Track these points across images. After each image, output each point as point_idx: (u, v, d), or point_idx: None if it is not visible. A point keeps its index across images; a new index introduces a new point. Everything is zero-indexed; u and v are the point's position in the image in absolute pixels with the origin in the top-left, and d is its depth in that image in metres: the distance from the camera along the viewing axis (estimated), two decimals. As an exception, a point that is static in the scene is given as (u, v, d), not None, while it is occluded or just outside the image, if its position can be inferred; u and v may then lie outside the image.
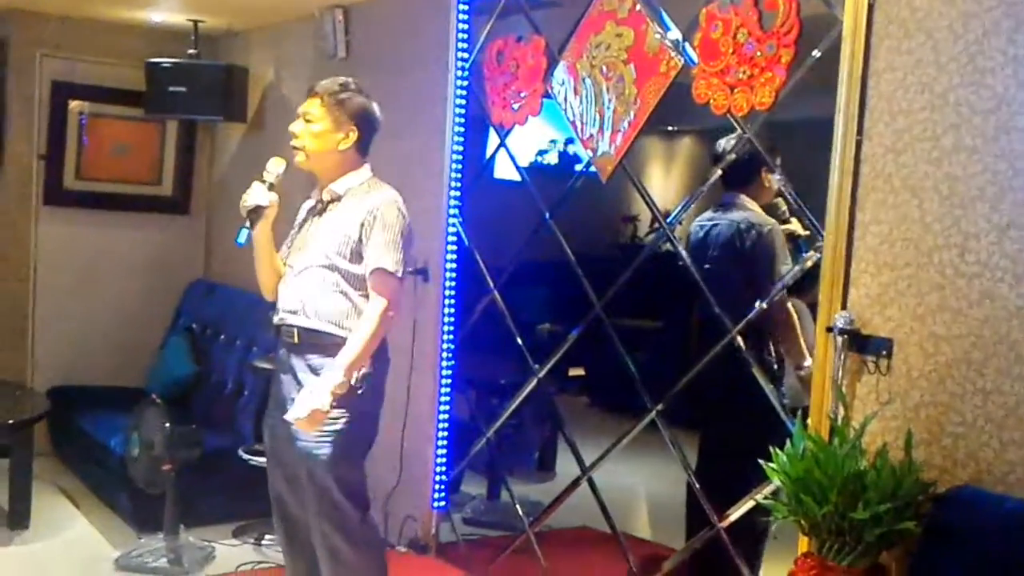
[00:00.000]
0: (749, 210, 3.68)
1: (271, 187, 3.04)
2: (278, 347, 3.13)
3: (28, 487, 4.53)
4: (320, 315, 2.96)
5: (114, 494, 4.74)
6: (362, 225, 2.95)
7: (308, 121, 3.00)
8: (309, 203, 3.16)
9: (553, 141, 6.76)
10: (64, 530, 4.60)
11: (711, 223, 3.75)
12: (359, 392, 2.91)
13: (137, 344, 5.81)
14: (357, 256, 2.97)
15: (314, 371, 2.96)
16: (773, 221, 3.63)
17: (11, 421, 4.52)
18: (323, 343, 2.96)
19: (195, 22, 5.40)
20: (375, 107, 3.08)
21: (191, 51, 5.42)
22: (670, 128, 8.34)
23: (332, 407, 2.85)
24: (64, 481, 5.20)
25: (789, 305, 3.40)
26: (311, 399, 2.83)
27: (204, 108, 5.37)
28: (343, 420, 2.93)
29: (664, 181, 8.65)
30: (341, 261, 2.96)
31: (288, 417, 2.89)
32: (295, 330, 3.00)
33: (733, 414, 3.65)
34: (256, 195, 2.99)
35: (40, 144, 5.65)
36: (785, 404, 3.35)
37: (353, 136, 3.02)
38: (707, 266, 3.73)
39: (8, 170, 5.64)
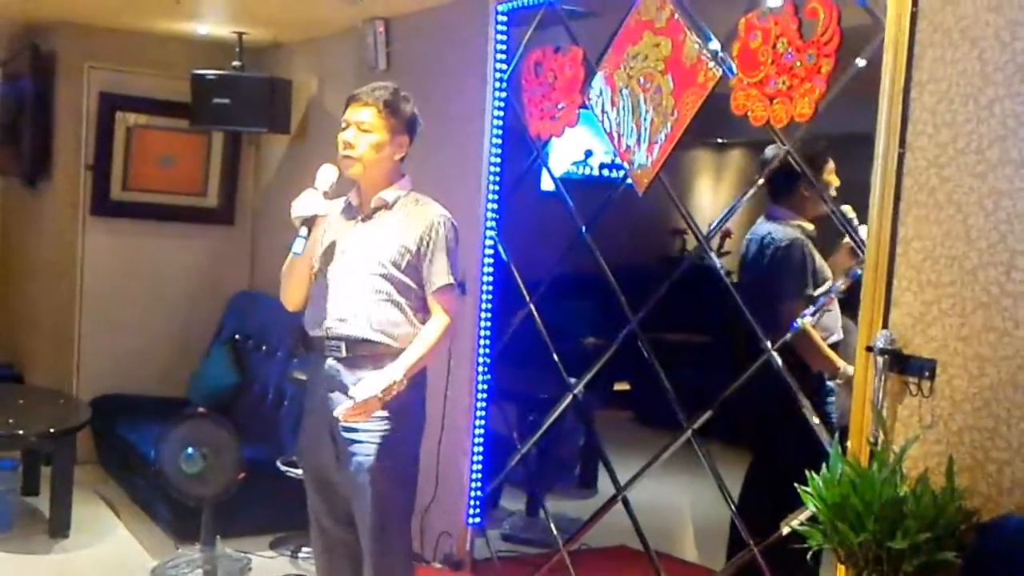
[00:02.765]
0: (782, 223, 3.59)
1: (324, 196, 2.98)
2: (315, 360, 3.04)
3: (68, 495, 4.57)
4: (372, 324, 2.92)
5: (153, 504, 4.76)
6: (421, 240, 2.94)
7: (364, 131, 2.94)
8: (341, 208, 3.08)
9: (589, 152, 6.70)
10: (104, 539, 4.64)
11: (751, 237, 3.70)
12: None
13: (182, 354, 5.85)
14: (412, 269, 2.95)
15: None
16: (799, 236, 3.55)
17: (52, 430, 4.56)
18: (373, 353, 2.92)
19: (239, 34, 5.44)
20: (418, 111, 3.06)
21: (235, 63, 5.45)
22: (720, 140, 8.23)
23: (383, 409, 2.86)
24: (106, 490, 5.25)
25: (800, 322, 3.30)
26: (373, 385, 2.81)
27: (248, 119, 5.39)
28: (389, 428, 2.91)
29: (713, 194, 8.55)
30: (395, 271, 2.93)
31: (348, 399, 2.82)
32: (344, 342, 2.93)
33: (776, 434, 3.57)
34: (313, 204, 2.93)
35: (87, 155, 5.72)
36: (833, 423, 3.26)
37: (405, 145, 3.02)
38: (746, 280, 3.67)
39: (56, 180, 5.73)
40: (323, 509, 3.08)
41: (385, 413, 2.90)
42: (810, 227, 3.62)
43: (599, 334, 5.56)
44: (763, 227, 3.64)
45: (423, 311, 2.99)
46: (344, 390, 2.93)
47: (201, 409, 4.42)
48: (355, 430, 2.91)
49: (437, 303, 2.96)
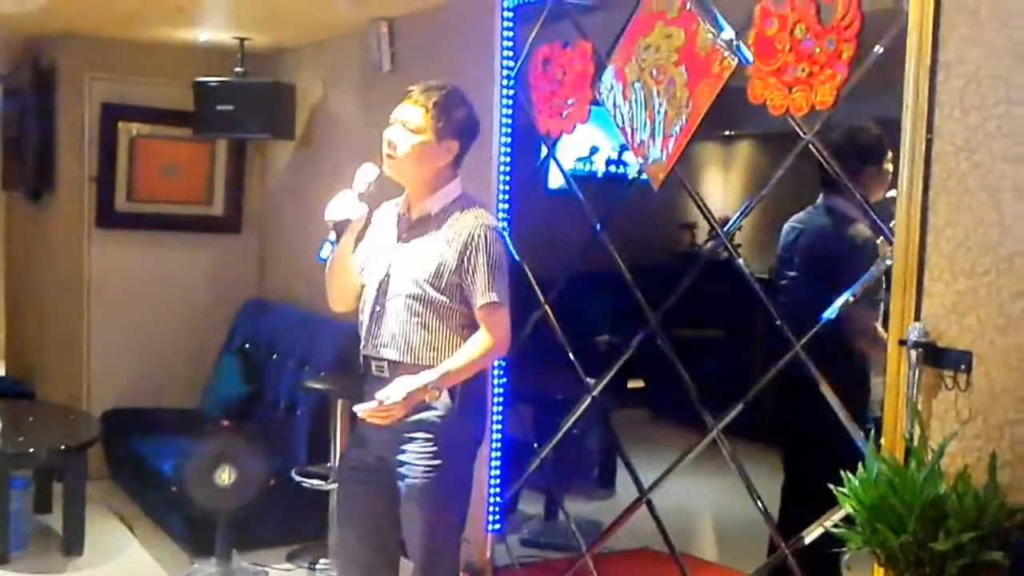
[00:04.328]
0: (844, 216, 3.37)
1: (360, 197, 2.81)
2: (367, 377, 2.88)
3: (81, 512, 4.51)
4: (411, 348, 2.77)
5: (168, 518, 4.70)
6: (461, 254, 2.75)
7: (409, 131, 2.76)
8: (390, 213, 2.92)
9: (595, 149, 6.63)
10: (118, 556, 4.58)
11: (801, 227, 3.52)
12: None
13: (192, 365, 5.78)
14: (453, 287, 2.77)
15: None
16: (870, 235, 3.26)
17: (63, 446, 4.51)
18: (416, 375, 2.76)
19: (241, 40, 5.37)
20: (476, 113, 2.88)
21: (238, 69, 5.38)
22: (727, 133, 8.15)
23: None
24: (120, 505, 5.19)
25: (877, 325, 3.17)
26: (399, 389, 2.67)
27: (252, 126, 5.33)
28: (440, 450, 2.78)
29: (723, 187, 8.47)
30: (432, 292, 2.75)
31: (378, 396, 2.67)
32: (386, 364, 2.80)
33: (808, 432, 3.48)
34: (347, 207, 2.76)
35: (91, 167, 5.67)
36: (871, 422, 3.16)
37: (454, 150, 2.81)
38: (792, 273, 3.53)
39: (60, 193, 5.67)
40: (354, 533, 2.94)
41: (430, 436, 2.78)
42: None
43: (612, 332, 5.49)
44: (818, 218, 3.43)
45: (472, 327, 2.80)
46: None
47: (225, 422, 4.36)
48: (404, 451, 2.79)
49: (483, 321, 2.78)
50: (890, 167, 3.20)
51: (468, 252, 2.75)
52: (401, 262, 2.83)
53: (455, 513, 2.89)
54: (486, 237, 2.77)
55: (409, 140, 2.77)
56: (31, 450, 4.52)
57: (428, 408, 2.76)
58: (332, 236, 2.77)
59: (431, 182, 2.82)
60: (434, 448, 2.78)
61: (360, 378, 2.96)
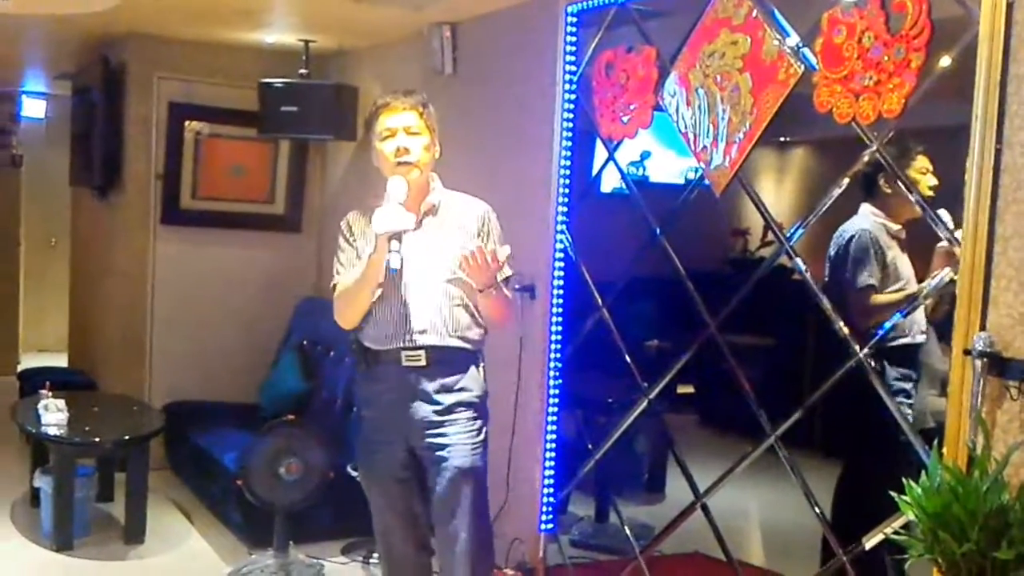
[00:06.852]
0: (860, 217, 3.62)
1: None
2: (390, 372, 2.96)
3: (143, 502, 4.62)
4: (450, 330, 2.94)
5: (226, 509, 4.79)
6: (479, 234, 2.98)
7: (413, 134, 2.93)
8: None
9: (646, 154, 6.62)
10: (178, 545, 4.68)
11: (841, 232, 3.74)
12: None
13: (251, 360, 5.89)
14: None
15: (447, 389, 2.93)
16: (867, 227, 3.59)
17: (127, 437, 4.61)
18: (452, 359, 2.95)
19: (306, 42, 5.46)
20: None
21: (302, 71, 5.47)
22: (782, 139, 8.10)
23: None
24: (179, 495, 5.30)
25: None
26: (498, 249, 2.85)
27: (314, 127, 5.41)
28: (479, 427, 2.98)
29: (776, 194, 8.42)
30: (462, 275, 2.91)
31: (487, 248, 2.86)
32: (423, 351, 2.91)
33: (862, 439, 3.49)
34: (401, 219, 2.82)
35: (158, 164, 5.79)
36: (912, 426, 3.17)
37: (439, 145, 3.04)
38: (826, 277, 3.71)
39: (127, 189, 5.81)
40: (394, 526, 3.05)
41: (474, 413, 2.96)
42: (895, 226, 3.59)
43: (664, 337, 5.50)
44: (844, 225, 3.68)
45: None
46: (427, 398, 2.92)
47: (290, 416, 4.45)
48: (445, 435, 2.93)
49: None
50: (917, 179, 3.29)
51: (484, 232, 3.00)
52: (422, 253, 2.94)
53: (485, 484, 3.05)
54: (493, 219, 3.05)
55: (417, 143, 2.95)
56: (96, 440, 4.63)
57: (463, 389, 2.94)
58: (396, 246, 2.82)
59: (428, 180, 3.03)
60: (479, 424, 2.97)
61: (372, 376, 3.02)
